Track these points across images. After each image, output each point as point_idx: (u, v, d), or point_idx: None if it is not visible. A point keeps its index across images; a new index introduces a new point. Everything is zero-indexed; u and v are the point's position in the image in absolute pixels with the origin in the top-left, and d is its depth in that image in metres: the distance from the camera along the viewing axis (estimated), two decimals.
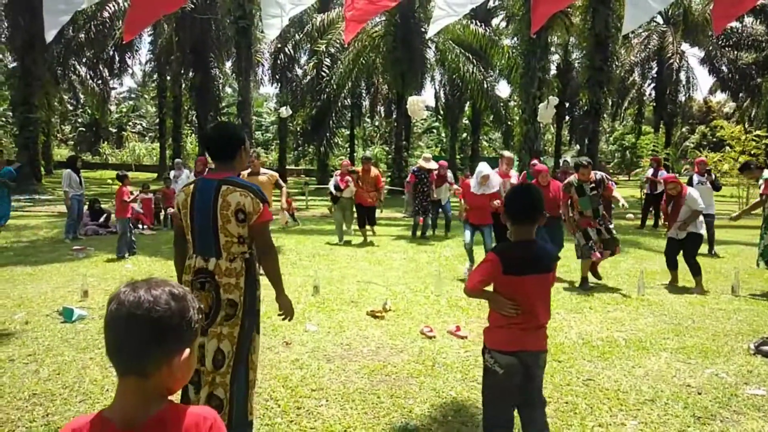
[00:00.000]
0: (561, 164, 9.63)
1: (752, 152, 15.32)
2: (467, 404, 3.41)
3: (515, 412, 2.54)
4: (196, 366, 1.26)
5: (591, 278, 6.81)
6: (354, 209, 10.12)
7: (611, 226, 6.81)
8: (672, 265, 6.77)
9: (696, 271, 6.52)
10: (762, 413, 3.31)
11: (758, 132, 16.38)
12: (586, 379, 3.80)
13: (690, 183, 8.60)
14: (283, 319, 2.89)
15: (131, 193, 8.95)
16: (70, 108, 39.35)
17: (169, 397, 1.16)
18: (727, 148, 16.40)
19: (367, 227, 10.30)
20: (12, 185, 9.58)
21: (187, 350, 1.11)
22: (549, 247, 2.56)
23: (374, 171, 10.10)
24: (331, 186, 10.03)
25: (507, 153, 9.00)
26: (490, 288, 2.51)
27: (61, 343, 4.48)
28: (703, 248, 7.96)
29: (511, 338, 2.41)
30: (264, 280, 2.78)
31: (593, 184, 6.64)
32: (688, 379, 3.82)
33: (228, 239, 2.62)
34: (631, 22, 2.55)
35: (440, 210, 11.05)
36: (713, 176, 9.44)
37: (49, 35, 2.63)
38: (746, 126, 18.99)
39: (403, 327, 4.97)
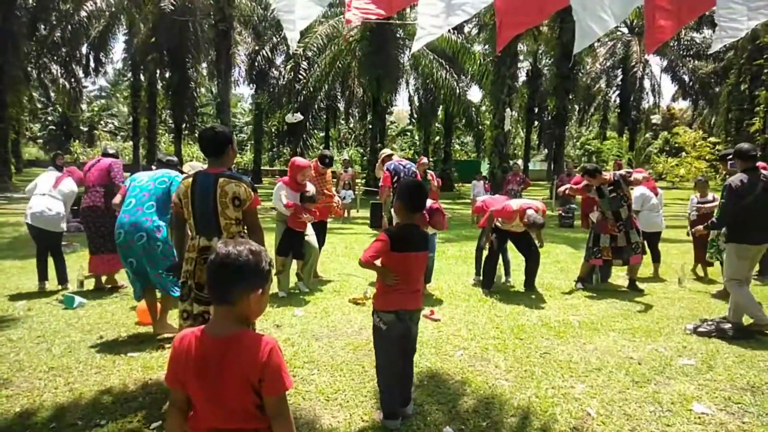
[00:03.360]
0: (512, 167, 9.97)
1: (707, 158, 16.27)
2: (440, 372, 3.92)
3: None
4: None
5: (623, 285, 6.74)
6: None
7: (635, 233, 6.46)
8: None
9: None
10: (689, 378, 3.90)
11: (711, 138, 17.40)
12: (543, 353, 4.35)
13: None
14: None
15: None
16: (40, 106, 38.76)
17: None
18: (684, 153, 17.35)
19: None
20: None
21: (260, 290, 1.59)
22: (425, 232, 3.26)
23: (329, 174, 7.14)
24: (280, 206, 6.09)
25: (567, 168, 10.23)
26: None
27: (67, 327, 4.84)
28: None
29: (391, 300, 3.05)
30: None
31: (611, 186, 6.43)
32: (631, 353, 4.40)
33: (227, 221, 3.19)
34: (580, 45, 3.06)
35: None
36: None
37: None
38: (704, 132, 20.02)
39: None
